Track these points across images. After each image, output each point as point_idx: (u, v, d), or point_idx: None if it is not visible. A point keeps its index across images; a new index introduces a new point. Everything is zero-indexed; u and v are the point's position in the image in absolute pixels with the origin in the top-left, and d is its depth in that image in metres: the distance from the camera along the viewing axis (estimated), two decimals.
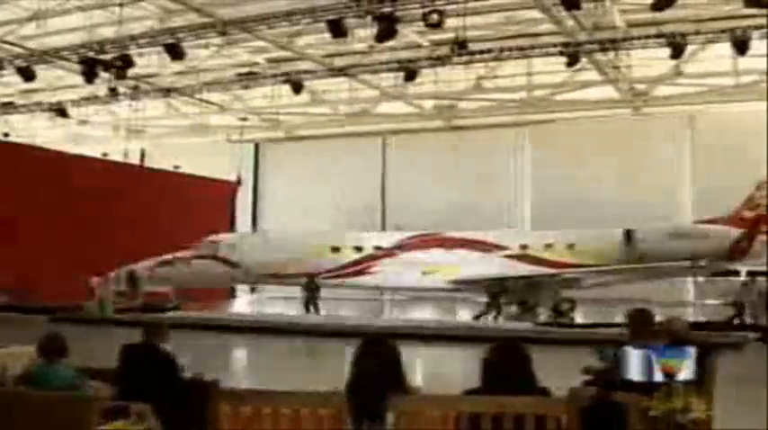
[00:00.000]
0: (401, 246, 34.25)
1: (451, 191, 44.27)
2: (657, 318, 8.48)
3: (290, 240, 36.17)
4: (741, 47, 25.47)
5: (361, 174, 47.51)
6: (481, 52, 28.88)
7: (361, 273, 33.92)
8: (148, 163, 49.35)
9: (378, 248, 34.23)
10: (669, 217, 37.51)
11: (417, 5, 23.69)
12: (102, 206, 36.04)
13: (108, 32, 30.58)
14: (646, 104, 40.24)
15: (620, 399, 6.52)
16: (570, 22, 29.32)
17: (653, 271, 31.36)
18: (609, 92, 39.27)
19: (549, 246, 33.26)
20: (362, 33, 28.73)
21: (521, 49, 29.59)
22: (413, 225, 37.65)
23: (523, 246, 33.47)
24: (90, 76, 28.59)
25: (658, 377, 6.36)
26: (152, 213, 38.76)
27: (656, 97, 39.69)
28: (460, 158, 44.50)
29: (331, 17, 24.63)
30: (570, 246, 32.83)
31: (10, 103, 39.29)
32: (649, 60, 33.43)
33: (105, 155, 43.84)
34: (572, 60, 27.75)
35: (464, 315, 35.90)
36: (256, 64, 37.30)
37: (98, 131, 48.73)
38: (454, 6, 23.73)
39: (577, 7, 23.56)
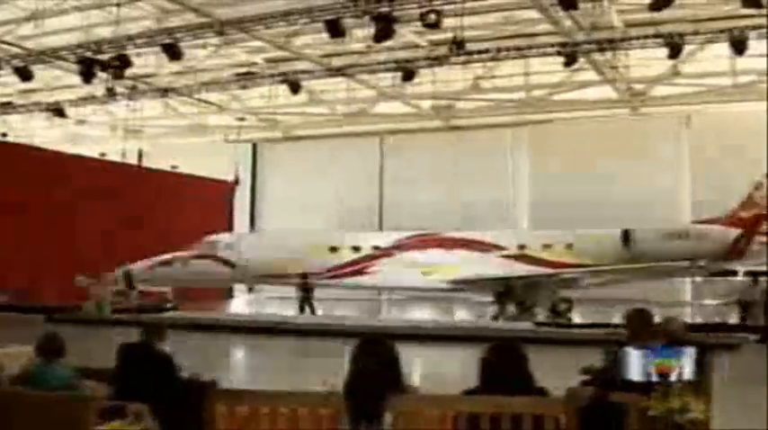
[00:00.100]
0: (399, 246, 34.25)
1: (449, 191, 44.29)
2: (656, 319, 8.49)
3: (288, 240, 36.14)
4: (739, 47, 25.48)
5: (359, 175, 47.52)
6: (479, 52, 28.88)
7: (359, 272, 33.90)
8: (146, 163, 49.39)
9: (376, 248, 34.22)
10: (667, 217, 37.52)
11: (415, 5, 23.68)
12: (99, 206, 36.07)
13: (105, 32, 30.53)
14: (643, 104, 40.22)
15: (618, 399, 6.52)
16: (568, 23, 29.30)
17: (651, 271, 31.34)
18: (607, 92, 39.24)
19: (547, 246, 33.26)
20: (360, 33, 28.74)
21: (518, 49, 29.58)
22: (410, 225, 37.65)
23: (521, 246, 33.47)
24: (87, 76, 28.56)
25: (655, 377, 6.36)
26: (150, 213, 38.79)
27: (654, 97, 39.66)
28: (458, 158, 44.51)
29: (329, 17, 24.61)
30: (568, 246, 32.82)
31: (8, 103, 39.24)
32: (647, 60, 33.42)
33: (103, 155, 43.85)
34: (570, 60, 27.75)
35: (462, 315, 36.00)
36: (254, 64, 37.27)
37: (96, 131, 48.67)
38: (452, 6, 23.74)
39: (575, 7, 23.57)
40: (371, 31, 24.41)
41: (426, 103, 43.59)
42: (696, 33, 26.68)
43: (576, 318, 30.28)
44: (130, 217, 37.41)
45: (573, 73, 35.10)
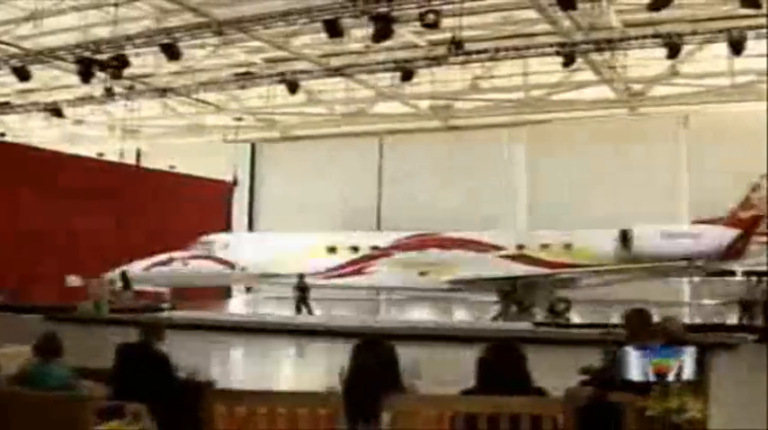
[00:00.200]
0: (398, 246, 34.26)
1: (448, 191, 44.31)
2: (654, 319, 8.49)
3: (286, 240, 36.16)
4: (737, 47, 25.47)
5: (358, 175, 47.55)
6: (478, 52, 28.89)
7: (357, 273, 33.92)
8: (144, 163, 49.40)
9: (374, 248, 34.23)
10: (665, 217, 37.50)
11: (414, 5, 23.66)
12: (97, 206, 36.07)
13: (104, 32, 30.51)
14: (642, 104, 40.21)
15: (616, 399, 6.52)
16: (566, 23, 29.30)
17: (649, 271, 31.41)
18: (605, 92, 39.24)
19: (545, 246, 33.30)
20: (359, 33, 28.74)
21: (517, 49, 29.58)
22: (409, 225, 37.66)
23: (520, 247, 33.52)
24: (86, 76, 28.53)
25: (652, 377, 6.36)
26: (148, 213, 38.77)
27: (653, 97, 39.66)
28: (457, 158, 44.54)
29: (327, 17, 24.58)
30: (566, 246, 32.88)
31: (6, 103, 39.22)
32: (645, 60, 33.42)
33: (101, 155, 43.86)
34: (568, 60, 27.75)
35: (461, 315, 36.01)
36: (252, 64, 37.24)
37: (94, 131, 48.63)
38: (450, 6, 23.73)
39: (573, 7, 23.56)
40: (370, 31, 24.38)
41: (425, 103, 43.56)
42: (694, 33, 26.68)
43: (575, 318, 30.30)
44: (128, 217, 37.40)
45: (571, 73, 35.09)
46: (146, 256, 33.56)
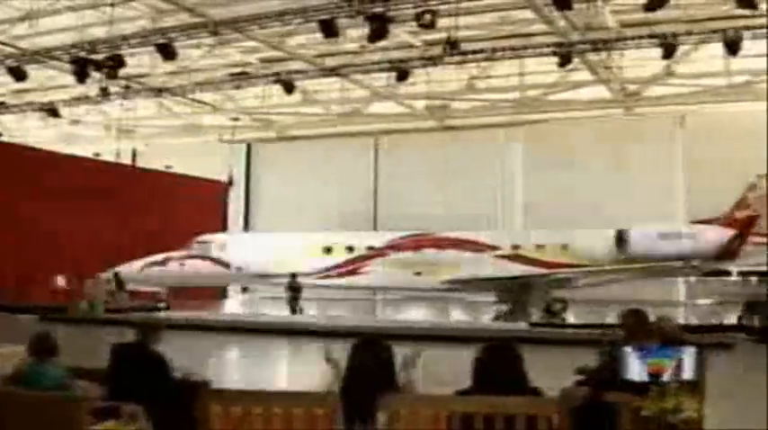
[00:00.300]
0: (393, 246, 34.24)
1: (444, 191, 44.33)
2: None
3: (282, 240, 36.14)
4: (733, 47, 25.48)
5: (353, 174, 47.57)
6: (474, 52, 28.90)
7: (353, 273, 33.90)
8: (140, 163, 49.37)
9: (370, 248, 34.22)
10: (661, 217, 37.52)
11: (410, 5, 23.68)
12: (93, 206, 36.02)
13: (99, 32, 30.52)
14: (638, 104, 40.27)
15: (611, 399, 6.52)
16: (562, 23, 29.34)
17: (645, 271, 31.41)
18: (601, 92, 39.31)
19: (541, 246, 33.30)
20: (354, 33, 28.69)
21: (513, 49, 29.58)
22: (405, 225, 37.66)
23: (515, 247, 33.49)
24: (81, 76, 28.50)
25: (647, 377, 6.37)
26: (144, 213, 38.72)
27: (649, 97, 39.73)
28: (453, 158, 44.55)
29: (323, 17, 24.59)
30: (563, 247, 32.86)
31: (1, 103, 39.26)
32: (641, 60, 33.46)
33: (97, 155, 43.84)
34: (564, 60, 27.75)
35: (457, 315, 36.01)
36: (248, 64, 37.25)
37: (90, 131, 48.64)
38: (446, 6, 23.73)
39: (569, 7, 23.57)
40: (366, 31, 24.37)
41: (420, 103, 43.60)
42: (690, 34, 26.68)
43: (571, 318, 30.30)
44: (124, 217, 37.36)
45: (567, 73, 35.13)
46: (141, 256, 33.52)
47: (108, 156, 45.79)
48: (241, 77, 34.86)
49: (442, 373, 9.51)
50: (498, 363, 6.26)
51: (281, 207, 48.23)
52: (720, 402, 8.18)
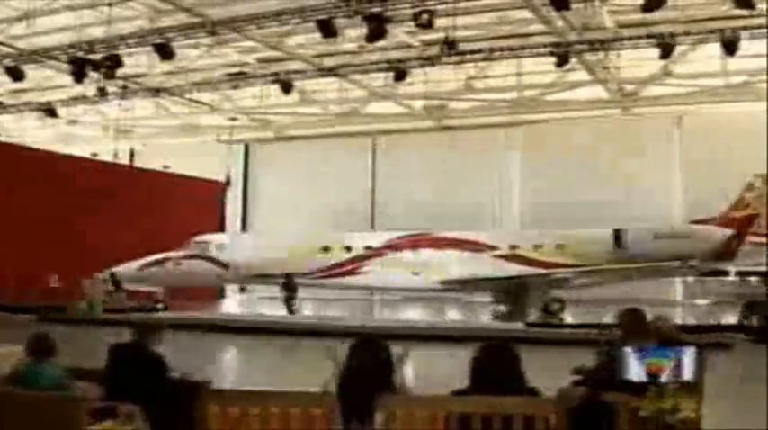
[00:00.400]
0: (391, 246, 34.23)
1: (442, 191, 44.31)
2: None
3: (280, 240, 36.13)
4: (730, 47, 25.50)
5: (351, 175, 47.52)
6: (471, 52, 28.90)
7: (351, 273, 33.88)
8: (138, 163, 49.33)
9: (368, 248, 34.21)
10: (659, 217, 37.55)
11: (408, 5, 23.69)
12: (91, 206, 35.99)
13: (97, 32, 30.49)
14: (635, 105, 40.29)
15: (609, 399, 6.52)
16: (560, 23, 29.35)
17: (643, 271, 31.40)
18: (599, 92, 39.33)
19: (538, 246, 33.29)
20: (352, 33, 28.71)
21: (511, 49, 29.60)
22: (403, 225, 37.65)
23: (513, 247, 33.47)
24: (79, 76, 28.51)
25: (645, 377, 6.36)
26: (141, 213, 38.67)
27: (646, 97, 39.75)
28: (450, 158, 44.54)
29: (321, 17, 24.60)
30: (560, 247, 32.86)
31: None
32: (639, 61, 33.49)
33: (95, 155, 43.80)
34: (562, 61, 27.75)
35: (453, 315, 35.99)
36: (246, 64, 37.25)
37: (87, 131, 48.63)
38: (444, 6, 23.74)
39: (567, 8, 23.58)
40: (364, 31, 24.38)
41: (418, 103, 43.62)
42: (687, 34, 26.69)
43: (568, 318, 30.29)
44: (122, 217, 37.32)
45: (565, 73, 35.15)
46: (139, 256, 33.48)
47: (105, 156, 45.72)
48: (239, 77, 34.86)
49: (440, 373, 9.51)
50: (496, 363, 6.26)
51: (278, 207, 48.19)
52: (718, 402, 8.19)
